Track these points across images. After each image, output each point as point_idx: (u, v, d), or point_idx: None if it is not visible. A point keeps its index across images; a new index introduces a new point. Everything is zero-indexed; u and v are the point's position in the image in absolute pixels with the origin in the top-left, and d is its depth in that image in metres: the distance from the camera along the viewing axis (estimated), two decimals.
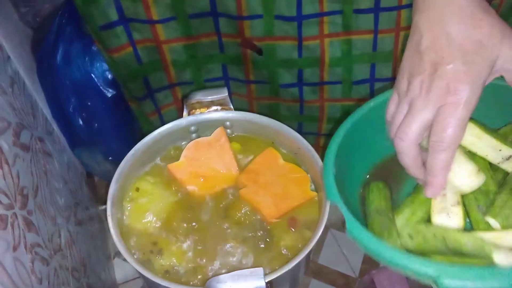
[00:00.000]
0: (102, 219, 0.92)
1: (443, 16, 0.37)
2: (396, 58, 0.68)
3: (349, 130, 0.46)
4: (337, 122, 0.78)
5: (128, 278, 0.89)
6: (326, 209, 0.44)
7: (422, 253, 0.39)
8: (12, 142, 0.55)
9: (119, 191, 0.48)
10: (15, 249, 0.48)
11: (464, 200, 0.42)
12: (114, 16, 0.62)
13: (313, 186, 0.51)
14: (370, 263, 0.94)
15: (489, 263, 0.35)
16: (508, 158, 0.42)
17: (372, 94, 0.73)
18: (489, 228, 0.39)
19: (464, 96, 0.35)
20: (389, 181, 0.48)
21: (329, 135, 0.81)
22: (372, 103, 0.48)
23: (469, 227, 0.43)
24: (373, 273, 0.89)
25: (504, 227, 0.38)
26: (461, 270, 0.33)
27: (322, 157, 0.47)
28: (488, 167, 0.44)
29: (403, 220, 0.43)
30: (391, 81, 0.71)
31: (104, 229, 0.92)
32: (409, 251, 0.39)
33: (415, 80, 0.37)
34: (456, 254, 0.38)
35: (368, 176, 0.49)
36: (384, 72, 0.70)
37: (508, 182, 0.41)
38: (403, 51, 0.66)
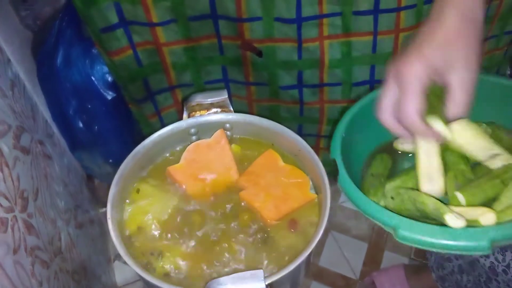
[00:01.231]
0: (102, 222, 0.92)
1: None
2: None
3: (365, 105, 0.52)
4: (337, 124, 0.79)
5: (129, 281, 0.89)
6: (326, 211, 0.44)
7: (399, 212, 0.43)
8: (13, 145, 0.55)
9: (119, 194, 0.48)
10: (15, 252, 0.48)
11: (447, 177, 0.47)
12: (114, 19, 0.62)
13: (313, 189, 0.51)
14: (371, 265, 0.94)
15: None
16: (493, 157, 0.47)
17: None
18: (459, 204, 0.44)
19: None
20: (394, 156, 0.54)
21: (329, 137, 0.81)
22: None
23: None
24: (374, 275, 0.89)
25: (469, 203, 0.43)
26: (416, 225, 0.39)
27: (323, 159, 0.48)
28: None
29: (393, 185, 0.49)
30: None
31: (105, 232, 0.92)
32: (390, 209, 0.44)
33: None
34: (422, 216, 0.44)
35: (375, 149, 0.55)
36: (383, 74, 0.70)
37: (489, 173, 0.46)
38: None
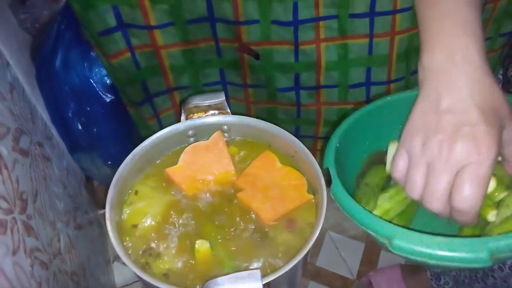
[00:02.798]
0: (101, 223, 0.92)
1: (462, 81, 0.39)
2: (391, 61, 0.69)
3: (361, 116, 0.50)
4: (334, 126, 0.79)
5: (128, 281, 0.89)
6: (322, 211, 0.44)
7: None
8: (12, 147, 0.56)
9: (118, 195, 0.49)
10: (14, 253, 0.48)
11: None
12: (112, 22, 0.63)
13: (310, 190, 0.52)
14: (368, 265, 0.94)
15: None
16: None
17: (368, 98, 0.74)
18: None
19: (487, 156, 0.36)
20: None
21: (326, 138, 0.82)
22: (389, 97, 0.52)
23: None
24: (371, 275, 0.89)
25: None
26: (413, 234, 0.37)
27: (320, 160, 0.49)
28: None
29: (387, 196, 0.48)
30: (387, 84, 0.72)
31: (104, 233, 0.93)
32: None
33: (433, 140, 0.38)
34: None
35: (370, 159, 0.54)
36: (380, 76, 0.71)
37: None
38: (398, 54, 0.68)
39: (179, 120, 0.80)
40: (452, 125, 0.37)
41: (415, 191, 0.39)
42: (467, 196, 0.36)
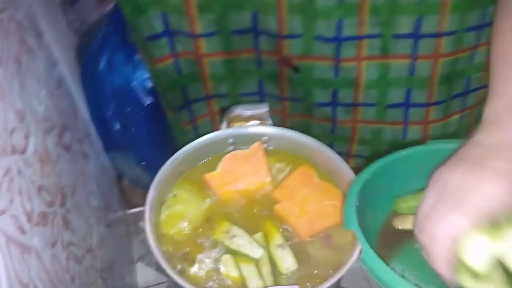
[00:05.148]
0: (128, 222, 0.93)
1: None
2: (432, 84, 0.68)
3: (377, 170, 0.47)
4: (368, 144, 0.79)
5: (150, 283, 0.90)
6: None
7: None
8: (56, 142, 0.57)
9: (157, 197, 0.50)
10: (53, 245, 0.49)
11: None
12: (160, 28, 0.64)
13: None
14: None
15: None
16: None
17: (406, 119, 0.73)
18: None
19: None
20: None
21: (359, 156, 0.82)
22: (404, 152, 0.50)
23: None
24: None
25: None
26: None
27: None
28: None
29: None
30: (426, 106, 0.71)
31: (129, 233, 0.94)
32: None
33: None
34: None
35: (389, 215, 0.50)
36: (419, 98, 0.70)
37: None
38: (441, 77, 0.67)
39: (214, 127, 0.81)
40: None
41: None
42: None
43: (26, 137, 0.47)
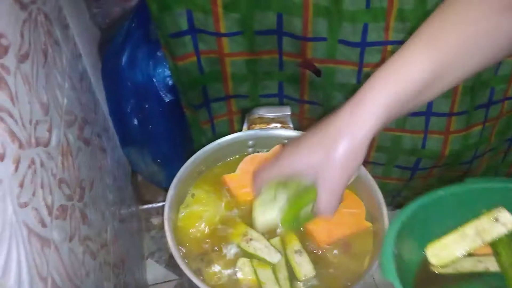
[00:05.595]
0: (140, 218, 0.94)
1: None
2: (456, 93, 0.67)
3: (414, 212, 0.45)
4: (386, 151, 0.78)
5: (158, 280, 0.90)
6: (382, 241, 0.43)
7: None
8: (77, 136, 0.58)
9: (176, 196, 0.49)
10: (71, 239, 0.49)
11: None
12: (184, 25, 0.64)
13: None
14: None
15: None
16: None
17: (427, 128, 0.72)
18: None
19: None
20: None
21: (375, 163, 0.81)
22: (441, 191, 0.47)
23: None
24: None
25: None
26: None
27: None
28: None
29: None
30: (448, 116, 0.70)
31: (141, 229, 0.94)
32: None
33: None
34: None
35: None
36: (442, 107, 0.69)
37: None
38: (465, 87, 0.66)
39: (232, 127, 0.81)
40: None
41: None
42: None
43: (50, 129, 0.47)
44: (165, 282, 0.90)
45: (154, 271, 0.91)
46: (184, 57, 0.67)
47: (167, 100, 0.73)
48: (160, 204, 0.95)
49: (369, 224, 0.49)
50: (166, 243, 1.00)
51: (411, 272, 0.45)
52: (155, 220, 0.97)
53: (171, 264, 0.91)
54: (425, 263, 0.46)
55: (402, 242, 0.43)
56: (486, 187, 0.43)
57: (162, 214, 0.97)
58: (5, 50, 0.38)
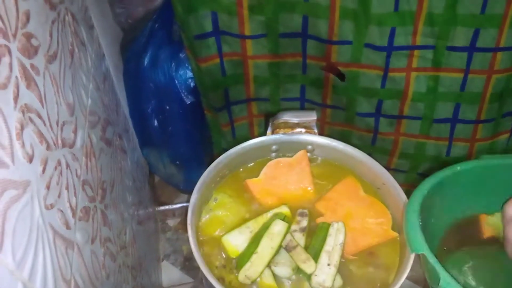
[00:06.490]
0: (157, 220, 0.93)
1: None
2: (484, 100, 0.66)
3: (433, 186, 0.46)
4: (409, 159, 0.76)
5: (174, 283, 0.89)
6: (410, 259, 0.42)
7: None
8: (100, 137, 0.57)
9: (199, 200, 0.49)
10: (93, 241, 0.49)
11: None
12: (209, 27, 0.64)
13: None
14: None
15: None
16: None
17: (452, 135, 0.70)
18: None
19: None
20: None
21: (397, 170, 0.79)
22: (458, 167, 0.49)
23: None
24: None
25: None
26: None
27: None
28: None
29: None
30: (475, 123, 0.69)
31: (157, 231, 0.94)
32: None
33: None
34: None
35: (446, 232, 0.49)
36: (468, 114, 0.68)
37: None
38: (493, 94, 0.64)
39: (252, 131, 0.80)
40: None
41: None
42: None
43: (75, 131, 0.47)
44: (181, 285, 0.89)
45: (169, 273, 0.90)
46: (207, 59, 0.67)
47: (188, 102, 0.73)
48: (176, 205, 0.95)
49: (395, 234, 0.47)
50: (181, 245, 0.99)
51: (433, 246, 0.45)
52: (170, 222, 0.97)
53: (186, 266, 0.90)
54: (442, 240, 0.47)
55: (423, 216, 0.43)
56: (501, 163, 0.43)
57: (178, 216, 0.96)
58: (35, 50, 0.38)
